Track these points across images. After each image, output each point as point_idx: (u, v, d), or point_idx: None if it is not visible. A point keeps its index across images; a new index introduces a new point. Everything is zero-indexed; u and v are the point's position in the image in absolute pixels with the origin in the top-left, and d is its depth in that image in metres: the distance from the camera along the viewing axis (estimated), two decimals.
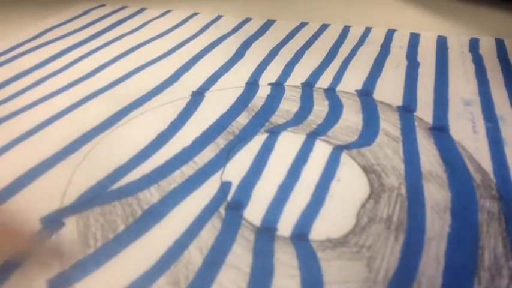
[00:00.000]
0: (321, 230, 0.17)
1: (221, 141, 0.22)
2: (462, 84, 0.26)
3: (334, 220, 0.17)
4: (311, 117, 0.23)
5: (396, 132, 0.22)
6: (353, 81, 0.26)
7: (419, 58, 0.29)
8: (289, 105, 0.24)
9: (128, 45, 0.31)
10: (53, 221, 0.17)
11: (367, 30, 0.33)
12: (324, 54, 0.30)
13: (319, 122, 0.23)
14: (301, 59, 0.29)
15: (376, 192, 0.19)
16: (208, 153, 0.21)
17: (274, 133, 0.22)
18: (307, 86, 0.26)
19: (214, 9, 0.37)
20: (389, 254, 0.16)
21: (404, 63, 0.28)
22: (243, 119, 0.23)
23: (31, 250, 0.16)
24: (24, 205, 0.18)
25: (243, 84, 0.26)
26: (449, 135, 0.22)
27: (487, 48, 0.31)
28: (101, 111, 0.24)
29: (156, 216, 0.18)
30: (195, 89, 0.26)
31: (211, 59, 0.29)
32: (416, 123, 0.23)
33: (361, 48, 0.31)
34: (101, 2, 0.40)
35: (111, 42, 0.32)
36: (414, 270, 0.15)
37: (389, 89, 0.26)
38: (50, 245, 0.16)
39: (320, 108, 0.24)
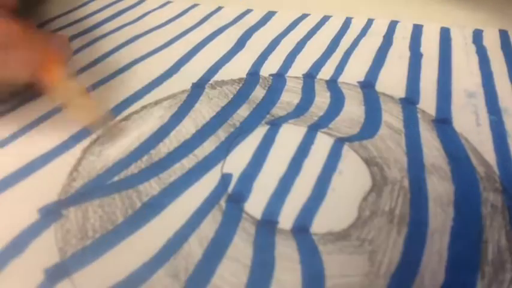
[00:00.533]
0: (322, 223, 0.17)
1: (222, 134, 0.21)
2: (465, 76, 0.26)
3: (335, 213, 0.17)
4: (312, 109, 0.23)
5: (399, 124, 0.22)
6: (355, 72, 0.26)
7: (422, 49, 0.29)
8: (290, 96, 0.24)
9: (126, 36, 0.31)
10: (52, 212, 0.17)
11: (370, 21, 0.33)
12: (326, 45, 0.29)
13: (321, 114, 0.23)
14: (303, 50, 0.29)
15: (378, 185, 0.18)
16: (208, 146, 0.21)
17: (275, 125, 0.22)
18: (309, 77, 0.26)
19: (214, 0, 0.37)
20: (391, 247, 0.16)
21: (407, 54, 0.28)
22: (243, 111, 0.23)
23: None
24: (22, 196, 0.18)
25: (244, 75, 0.26)
26: (453, 127, 0.22)
27: (491, 40, 0.30)
28: (100, 104, 0.23)
29: (156, 208, 0.17)
30: (195, 80, 0.25)
31: (212, 50, 0.29)
32: (419, 116, 0.22)
33: (363, 40, 0.30)
34: None
35: (110, 34, 0.31)
36: (417, 264, 0.15)
37: (392, 81, 0.25)
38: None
39: (322, 99, 0.24)
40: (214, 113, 0.23)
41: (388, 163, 0.19)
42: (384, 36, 0.31)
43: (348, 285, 0.15)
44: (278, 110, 0.23)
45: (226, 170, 0.19)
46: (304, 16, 0.34)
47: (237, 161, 0.20)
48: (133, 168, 0.19)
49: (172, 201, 0.18)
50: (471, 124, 0.22)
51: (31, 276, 0.15)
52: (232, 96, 0.24)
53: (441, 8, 0.36)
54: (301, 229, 0.17)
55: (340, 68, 0.27)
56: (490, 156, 0.20)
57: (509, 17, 0.34)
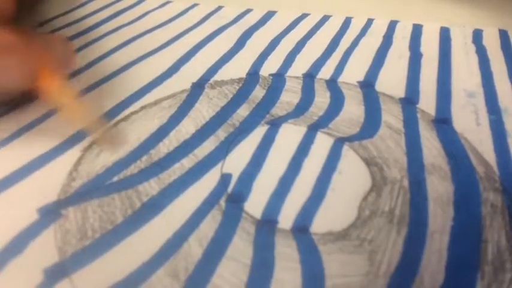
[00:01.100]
0: (322, 223, 0.17)
1: (221, 134, 0.21)
2: (465, 75, 0.26)
3: (335, 213, 0.17)
4: (312, 109, 0.23)
5: (398, 124, 0.22)
6: (355, 72, 0.26)
7: (422, 49, 0.29)
8: (290, 96, 0.24)
9: (125, 36, 0.31)
10: (51, 212, 0.17)
11: (369, 21, 0.33)
12: (326, 45, 0.29)
13: (321, 113, 0.23)
14: (303, 50, 0.29)
15: (378, 185, 0.18)
16: (208, 146, 0.21)
17: (275, 125, 0.22)
18: (309, 77, 0.26)
19: (214, 0, 0.37)
20: (391, 247, 0.16)
21: (407, 54, 0.28)
22: (243, 111, 0.23)
23: None
24: (21, 196, 0.18)
25: (244, 75, 0.26)
26: (452, 127, 0.21)
27: (491, 40, 0.30)
28: (99, 104, 0.23)
29: (156, 208, 0.17)
30: (195, 80, 0.25)
31: (211, 50, 0.29)
32: (418, 115, 0.22)
33: (363, 39, 0.30)
34: None
35: (108, 34, 0.31)
36: (416, 264, 0.15)
37: (392, 81, 0.25)
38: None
39: (321, 99, 0.24)
40: (214, 113, 0.23)
41: (388, 163, 0.19)
42: (384, 36, 0.31)
43: (348, 285, 0.15)
44: (278, 110, 0.23)
45: (226, 169, 0.19)
46: (304, 16, 0.34)
47: (236, 161, 0.20)
48: (132, 168, 0.19)
49: (171, 201, 0.18)
50: (471, 124, 0.22)
51: (30, 277, 0.15)
52: (232, 96, 0.24)
53: (441, 8, 0.36)
54: (301, 229, 0.17)
55: (340, 68, 0.27)
56: (490, 156, 0.20)
57: (509, 16, 0.34)
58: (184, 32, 0.31)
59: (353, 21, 0.33)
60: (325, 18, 0.33)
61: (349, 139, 0.21)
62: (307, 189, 0.18)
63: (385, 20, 0.33)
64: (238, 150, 0.20)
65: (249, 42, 0.30)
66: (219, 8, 0.35)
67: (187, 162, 0.20)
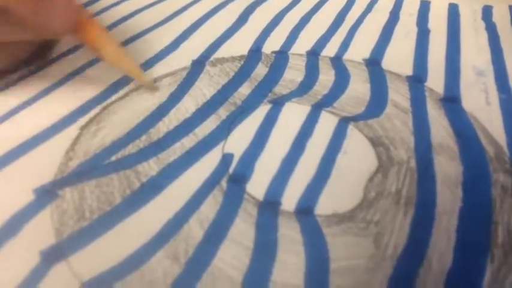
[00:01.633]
0: (326, 204, 0.16)
1: (223, 113, 0.21)
2: (474, 53, 0.25)
3: (340, 194, 0.17)
4: (316, 88, 0.22)
5: (405, 103, 0.21)
6: (361, 49, 0.25)
7: (430, 26, 0.28)
8: (293, 74, 0.23)
9: (123, 12, 0.30)
10: (47, 193, 0.17)
11: None
12: (330, 21, 0.28)
13: (325, 92, 0.22)
14: (307, 26, 0.28)
15: (384, 165, 0.18)
16: (209, 125, 0.20)
17: (278, 104, 0.21)
18: (313, 54, 0.25)
19: None
20: (398, 229, 0.15)
21: (414, 31, 0.27)
22: (245, 89, 0.22)
23: None
24: (17, 176, 0.17)
25: (246, 52, 0.25)
26: (461, 106, 0.21)
27: (501, 16, 0.29)
28: (97, 82, 0.23)
29: (155, 189, 0.17)
30: (195, 57, 0.25)
31: (213, 26, 0.28)
32: (426, 94, 0.22)
33: (369, 16, 0.29)
34: None
35: (106, 9, 0.30)
36: (424, 246, 0.15)
37: (399, 58, 0.24)
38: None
39: (326, 77, 0.23)
40: (215, 91, 0.22)
41: (395, 143, 0.19)
42: (391, 12, 0.30)
43: (353, 268, 0.14)
44: (281, 88, 0.22)
45: (227, 149, 0.19)
46: None
47: (238, 141, 0.19)
48: (131, 148, 0.19)
49: (171, 182, 0.17)
50: (480, 103, 0.21)
51: (26, 258, 0.14)
52: (233, 73, 0.23)
53: None
54: (304, 210, 0.16)
55: (345, 45, 0.26)
56: (500, 136, 0.19)
57: None
58: (185, 7, 0.30)
59: None
60: None
61: (355, 118, 0.20)
62: (311, 170, 0.18)
63: None
64: (240, 130, 0.20)
65: (251, 18, 0.29)
66: None
67: (187, 142, 0.19)
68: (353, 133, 0.19)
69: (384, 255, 0.15)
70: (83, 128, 0.20)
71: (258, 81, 0.23)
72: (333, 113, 0.20)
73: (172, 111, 0.21)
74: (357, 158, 0.18)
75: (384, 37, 0.26)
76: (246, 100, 0.21)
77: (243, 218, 0.16)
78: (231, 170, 0.18)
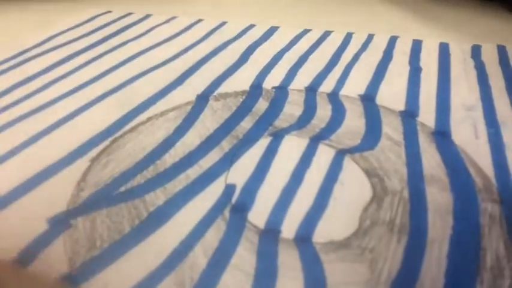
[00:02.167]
0: (324, 232, 0.17)
1: (225, 145, 0.22)
2: (464, 90, 0.26)
3: (337, 223, 0.18)
4: (314, 121, 0.23)
5: (398, 136, 0.22)
6: (356, 86, 0.27)
7: (422, 64, 0.29)
8: (292, 109, 0.25)
9: (132, 50, 0.32)
10: (60, 222, 0.18)
11: (370, 36, 0.34)
12: (327, 60, 0.30)
13: (323, 126, 0.23)
14: (305, 64, 0.29)
15: (378, 195, 0.19)
16: (212, 157, 0.21)
17: (278, 137, 0.22)
18: (311, 90, 0.26)
19: (218, 16, 0.38)
20: (391, 256, 0.16)
21: (406, 69, 0.29)
22: (247, 123, 0.23)
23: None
24: (31, 206, 0.18)
25: (247, 87, 0.27)
26: (451, 140, 0.22)
27: (489, 55, 0.31)
28: (107, 116, 0.24)
29: (162, 218, 0.18)
30: (199, 92, 0.26)
31: (216, 64, 0.29)
32: (418, 128, 0.23)
33: (364, 54, 0.31)
34: (106, 9, 0.40)
35: (116, 48, 0.32)
36: (417, 271, 0.15)
37: (392, 94, 0.26)
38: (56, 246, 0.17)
39: (323, 112, 0.24)
40: (218, 125, 0.23)
41: (389, 174, 0.20)
42: (384, 51, 0.31)
43: None
44: (281, 122, 0.23)
45: (230, 180, 0.20)
46: (306, 31, 0.35)
47: (240, 172, 0.20)
48: (139, 178, 0.20)
49: (177, 211, 0.18)
50: (469, 137, 0.22)
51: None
52: (235, 108, 0.25)
53: (440, 25, 0.37)
54: (303, 238, 0.17)
55: (341, 82, 0.27)
56: (488, 168, 0.20)
57: (507, 32, 0.35)
58: (189, 46, 0.32)
59: (354, 36, 0.34)
60: (326, 34, 0.34)
61: (351, 151, 0.21)
62: (309, 199, 0.19)
63: (385, 35, 0.34)
64: (242, 162, 0.21)
65: (252, 57, 0.30)
66: (223, 23, 0.36)
67: (192, 173, 0.20)
68: (349, 165, 0.20)
69: (378, 280, 0.15)
70: (94, 159, 0.21)
71: (259, 115, 0.24)
72: (330, 145, 0.22)
73: (178, 144, 0.22)
74: (353, 188, 0.19)
75: (378, 74, 0.28)
76: (247, 133, 0.23)
77: (245, 246, 0.17)
78: (233, 199, 0.19)
